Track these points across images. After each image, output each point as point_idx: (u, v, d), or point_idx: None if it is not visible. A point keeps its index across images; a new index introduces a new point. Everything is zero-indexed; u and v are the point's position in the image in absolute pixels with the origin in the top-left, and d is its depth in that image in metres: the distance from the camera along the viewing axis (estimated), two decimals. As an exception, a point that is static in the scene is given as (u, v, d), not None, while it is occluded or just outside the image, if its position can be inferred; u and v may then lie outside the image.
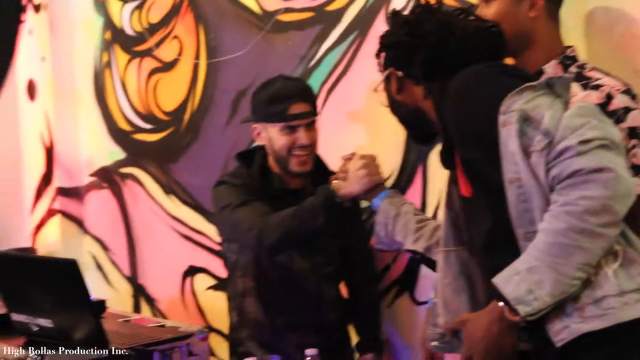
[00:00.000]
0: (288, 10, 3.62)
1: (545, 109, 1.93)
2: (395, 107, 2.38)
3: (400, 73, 2.29)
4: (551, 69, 2.35)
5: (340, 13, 3.42)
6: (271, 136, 2.96)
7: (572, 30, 2.54)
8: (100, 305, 2.97)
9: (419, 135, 2.46)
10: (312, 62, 3.52)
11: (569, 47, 2.41)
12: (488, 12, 2.35)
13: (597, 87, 2.25)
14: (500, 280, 1.96)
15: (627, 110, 2.22)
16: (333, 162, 2.98)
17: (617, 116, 2.20)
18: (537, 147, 1.91)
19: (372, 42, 3.26)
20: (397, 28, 2.31)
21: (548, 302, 1.90)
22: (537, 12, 2.34)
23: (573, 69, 2.33)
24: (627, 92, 2.25)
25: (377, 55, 2.39)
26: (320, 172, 3.02)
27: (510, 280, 1.93)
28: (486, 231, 2.11)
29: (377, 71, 2.42)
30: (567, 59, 2.37)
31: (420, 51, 2.22)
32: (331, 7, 3.46)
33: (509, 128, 1.94)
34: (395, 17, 2.37)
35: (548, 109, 1.93)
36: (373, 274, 3.26)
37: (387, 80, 2.34)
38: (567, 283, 1.88)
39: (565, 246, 1.86)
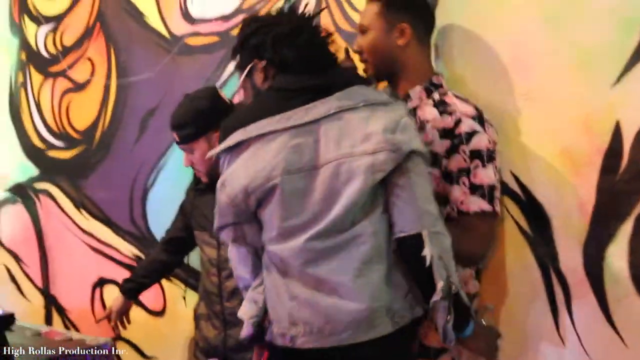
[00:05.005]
0: (195, 34, 3.57)
1: None
2: None
3: (264, 62, 2.14)
4: (416, 93, 2.37)
5: (244, 38, 3.37)
6: None
7: (458, 57, 2.55)
8: (9, 318, 2.85)
9: None
10: (218, 84, 3.47)
11: (437, 74, 2.43)
12: (364, 41, 2.36)
13: (451, 113, 2.29)
14: None
15: (471, 133, 2.24)
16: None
17: (461, 138, 2.24)
18: None
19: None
20: (254, 19, 2.25)
21: None
22: (405, 40, 2.33)
23: (436, 95, 2.36)
24: (475, 117, 2.28)
25: (237, 54, 2.24)
26: None
27: None
28: None
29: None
30: (432, 85, 2.38)
31: (278, 29, 2.12)
32: (236, 32, 3.41)
33: None
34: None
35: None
36: None
37: (249, 75, 2.18)
38: None
39: None
